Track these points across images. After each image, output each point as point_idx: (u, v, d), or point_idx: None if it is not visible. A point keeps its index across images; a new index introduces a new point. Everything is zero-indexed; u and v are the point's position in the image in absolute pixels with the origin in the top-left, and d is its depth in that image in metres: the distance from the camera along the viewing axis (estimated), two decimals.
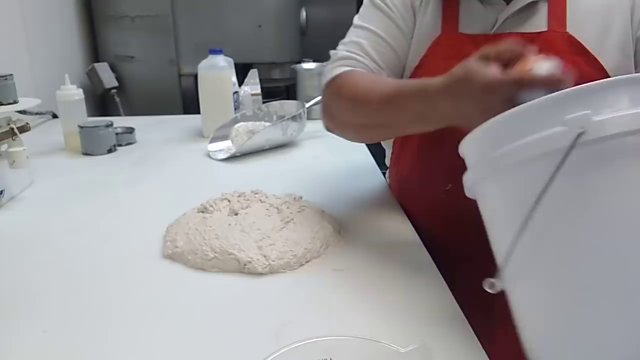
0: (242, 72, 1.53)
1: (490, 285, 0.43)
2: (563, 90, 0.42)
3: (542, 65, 0.50)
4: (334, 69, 0.77)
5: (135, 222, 0.81)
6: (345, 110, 0.73)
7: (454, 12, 0.76)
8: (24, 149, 0.89)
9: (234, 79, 1.36)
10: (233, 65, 1.34)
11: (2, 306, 0.58)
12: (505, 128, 0.45)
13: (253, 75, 1.50)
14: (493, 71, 0.52)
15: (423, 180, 0.83)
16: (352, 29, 0.81)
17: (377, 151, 1.16)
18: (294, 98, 1.60)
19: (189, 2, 1.88)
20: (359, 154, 1.15)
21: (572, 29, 0.72)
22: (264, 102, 1.42)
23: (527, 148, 0.42)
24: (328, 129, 0.79)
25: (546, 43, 0.71)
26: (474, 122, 0.55)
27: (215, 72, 1.30)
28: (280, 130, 1.18)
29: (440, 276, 0.63)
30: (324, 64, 1.52)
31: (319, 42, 2.44)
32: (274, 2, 1.93)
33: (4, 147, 0.88)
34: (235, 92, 1.37)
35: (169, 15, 1.88)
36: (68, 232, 0.78)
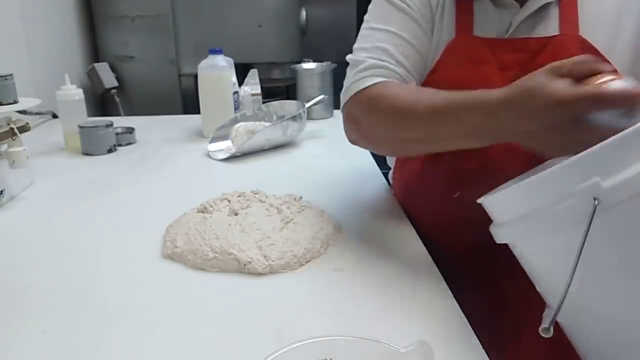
0: (242, 72, 1.53)
1: (544, 331, 0.44)
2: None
3: (617, 84, 0.46)
4: (363, 79, 0.70)
5: (135, 222, 0.81)
6: (383, 123, 0.67)
7: (468, 15, 0.73)
8: (24, 149, 0.89)
9: (234, 79, 1.36)
10: (233, 65, 1.34)
11: (2, 306, 0.58)
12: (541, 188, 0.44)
13: (253, 75, 1.50)
14: (565, 86, 0.48)
15: (430, 186, 0.80)
16: (368, 31, 0.75)
17: None
18: (294, 98, 1.60)
19: (189, 2, 1.88)
20: (359, 154, 1.14)
21: (584, 31, 0.70)
22: (264, 102, 1.42)
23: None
24: (354, 142, 0.74)
25: (559, 47, 0.70)
26: (537, 140, 0.53)
27: (215, 72, 1.30)
28: (280, 130, 1.18)
29: (440, 276, 0.63)
30: (324, 64, 1.54)
31: (319, 42, 2.45)
32: (274, 2, 1.93)
33: (4, 147, 0.88)
34: (235, 92, 1.37)
35: (169, 15, 1.88)
36: (68, 232, 0.78)
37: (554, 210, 0.43)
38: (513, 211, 0.47)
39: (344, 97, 0.73)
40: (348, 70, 0.74)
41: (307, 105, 1.28)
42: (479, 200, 0.52)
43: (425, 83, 0.75)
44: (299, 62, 1.59)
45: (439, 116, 0.60)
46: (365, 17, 0.78)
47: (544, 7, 0.72)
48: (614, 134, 0.44)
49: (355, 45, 0.76)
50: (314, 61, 1.57)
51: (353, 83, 0.71)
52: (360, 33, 0.77)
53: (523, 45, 0.72)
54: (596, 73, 0.49)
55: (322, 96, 1.39)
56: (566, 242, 0.42)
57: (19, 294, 0.61)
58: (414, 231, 0.76)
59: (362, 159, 1.11)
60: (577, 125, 0.48)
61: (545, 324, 0.43)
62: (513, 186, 0.46)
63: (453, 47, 0.73)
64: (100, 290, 0.61)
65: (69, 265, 0.67)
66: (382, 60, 0.71)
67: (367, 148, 0.73)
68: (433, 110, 0.61)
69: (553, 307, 0.47)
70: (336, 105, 1.58)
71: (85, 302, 0.59)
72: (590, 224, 0.40)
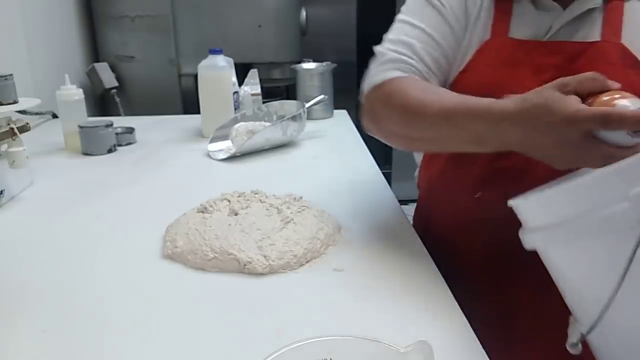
0: (242, 72, 1.53)
1: (572, 347, 0.42)
2: None
3: (623, 103, 0.47)
4: (383, 71, 0.71)
5: (135, 222, 0.81)
6: (395, 120, 0.68)
7: (506, 15, 0.72)
8: (24, 149, 0.89)
9: (234, 79, 1.36)
10: (233, 65, 1.34)
11: (2, 306, 0.58)
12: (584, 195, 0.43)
13: (253, 75, 1.50)
14: (573, 104, 0.49)
15: (453, 185, 0.80)
16: (399, 24, 0.75)
17: (377, 151, 1.16)
18: (294, 98, 1.60)
19: (189, 2, 1.88)
20: (359, 154, 1.15)
21: (626, 40, 0.69)
22: (264, 102, 1.42)
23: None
24: (370, 133, 0.75)
25: (598, 54, 0.68)
26: (542, 153, 0.53)
27: (215, 72, 1.30)
28: (280, 130, 1.18)
29: (440, 276, 0.63)
30: (324, 64, 1.54)
31: (319, 42, 2.45)
32: (274, 2, 1.93)
33: (4, 147, 0.88)
34: (235, 92, 1.37)
35: (169, 15, 1.88)
36: (68, 232, 0.78)
37: (600, 215, 0.41)
38: (549, 216, 0.46)
39: (364, 88, 0.74)
40: (372, 61, 0.75)
41: (307, 105, 1.28)
42: (509, 203, 0.50)
43: (455, 82, 0.74)
44: (299, 62, 1.59)
45: (446, 120, 0.61)
46: (402, 9, 0.77)
47: (588, 12, 0.70)
48: (618, 150, 0.44)
49: (385, 36, 0.76)
50: (314, 61, 1.57)
51: (373, 76, 0.72)
52: (393, 25, 0.77)
53: (560, 49, 0.70)
54: (604, 90, 0.50)
55: (322, 96, 1.39)
56: (608, 250, 0.40)
57: (19, 294, 0.61)
58: (413, 230, 0.76)
59: (362, 159, 1.12)
60: (583, 142, 0.48)
61: (572, 338, 0.42)
62: (551, 189, 0.45)
63: (486, 48, 0.72)
64: (100, 290, 0.61)
65: (69, 265, 0.67)
66: (404, 55, 0.71)
67: (381, 139, 0.73)
68: (441, 114, 0.62)
69: (580, 319, 0.45)
70: (336, 105, 1.58)
71: (85, 302, 0.59)
72: None
